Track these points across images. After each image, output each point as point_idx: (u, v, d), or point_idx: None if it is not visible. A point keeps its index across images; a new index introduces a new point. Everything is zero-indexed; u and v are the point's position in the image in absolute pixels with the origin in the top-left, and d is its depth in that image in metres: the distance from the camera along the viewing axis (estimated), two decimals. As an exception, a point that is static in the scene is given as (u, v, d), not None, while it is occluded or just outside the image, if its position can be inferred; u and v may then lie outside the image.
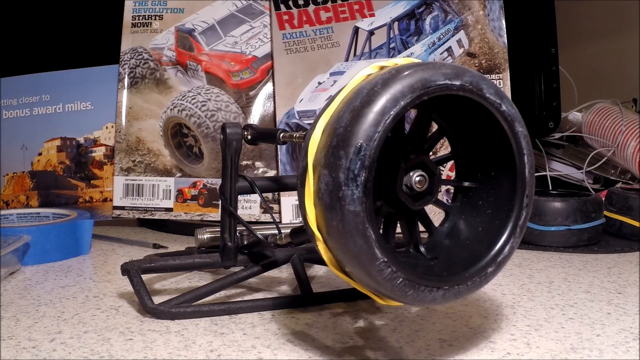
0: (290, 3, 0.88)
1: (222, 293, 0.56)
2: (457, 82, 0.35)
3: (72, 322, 0.49)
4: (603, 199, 0.81)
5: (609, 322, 0.49)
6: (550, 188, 1.01)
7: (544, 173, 1.03)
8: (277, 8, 0.88)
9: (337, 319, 0.50)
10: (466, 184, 0.43)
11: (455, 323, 0.48)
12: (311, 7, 0.87)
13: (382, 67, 0.37)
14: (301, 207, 0.37)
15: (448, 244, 0.42)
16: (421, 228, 0.43)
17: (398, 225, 0.42)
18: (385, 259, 0.34)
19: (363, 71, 0.37)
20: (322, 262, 0.51)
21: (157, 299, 0.52)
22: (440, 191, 0.45)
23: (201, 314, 0.50)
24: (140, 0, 0.90)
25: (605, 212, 0.80)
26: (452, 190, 0.47)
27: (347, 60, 0.85)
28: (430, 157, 0.40)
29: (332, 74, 0.85)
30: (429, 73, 0.34)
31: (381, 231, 0.40)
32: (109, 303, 0.54)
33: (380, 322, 0.49)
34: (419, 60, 0.37)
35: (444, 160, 0.45)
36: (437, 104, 0.35)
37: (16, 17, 1.03)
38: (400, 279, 0.35)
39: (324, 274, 0.63)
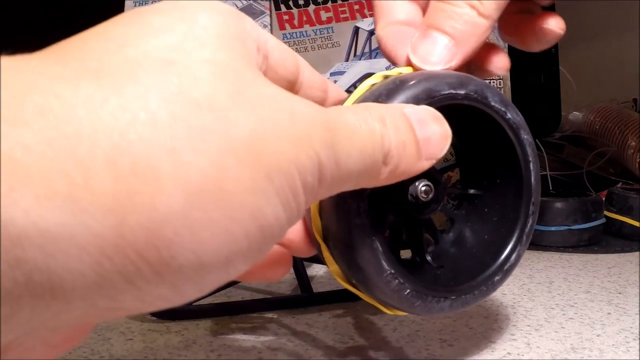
0: (291, 3, 0.88)
1: (223, 293, 0.56)
2: (462, 91, 0.35)
3: (72, 322, 0.49)
4: (603, 199, 0.81)
5: (609, 322, 0.49)
6: (551, 188, 1.01)
7: (544, 173, 1.03)
8: (277, 8, 0.88)
9: (338, 319, 0.50)
10: (471, 191, 0.43)
11: (456, 323, 0.48)
12: (311, 7, 0.87)
13: (386, 77, 0.37)
14: (307, 218, 0.36)
15: (454, 252, 0.42)
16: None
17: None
18: (393, 271, 0.34)
19: (368, 81, 0.37)
20: (323, 261, 0.51)
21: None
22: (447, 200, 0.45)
23: (202, 314, 0.50)
24: (140, 0, 0.90)
25: (606, 212, 0.80)
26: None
27: (347, 60, 0.85)
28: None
29: (332, 74, 0.85)
30: (433, 83, 0.34)
31: (387, 241, 0.40)
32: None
33: (381, 322, 0.49)
34: (425, 69, 0.36)
35: (448, 168, 0.45)
36: (442, 113, 0.35)
37: (16, 17, 1.03)
38: (408, 290, 0.35)
39: (325, 274, 0.63)
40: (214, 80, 0.19)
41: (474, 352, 0.43)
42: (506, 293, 0.56)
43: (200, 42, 0.20)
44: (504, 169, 0.40)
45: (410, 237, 0.41)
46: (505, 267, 0.39)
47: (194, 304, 0.51)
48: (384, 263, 0.34)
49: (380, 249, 0.33)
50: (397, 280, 0.34)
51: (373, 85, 0.36)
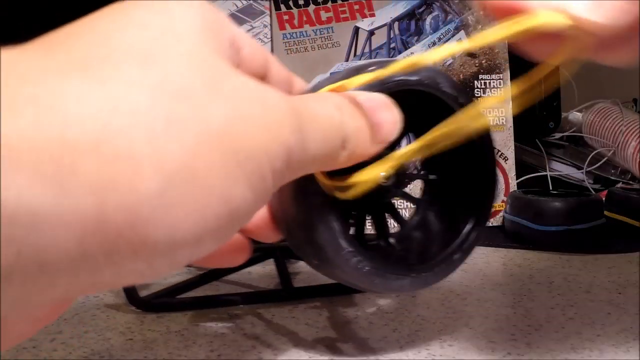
0: (291, 3, 0.88)
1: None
2: (414, 78, 0.36)
3: (72, 322, 0.49)
4: (603, 199, 0.81)
5: (609, 322, 0.49)
6: (551, 188, 1.01)
7: (544, 173, 1.03)
8: (277, 8, 0.88)
9: (337, 319, 0.50)
10: (432, 177, 0.44)
11: (456, 323, 0.48)
12: (311, 7, 0.87)
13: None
14: (272, 204, 0.38)
15: (417, 235, 0.44)
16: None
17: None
18: (351, 249, 0.35)
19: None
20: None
21: (147, 293, 0.52)
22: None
23: (184, 307, 0.51)
24: None
25: (606, 212, 0.80)
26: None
27: (347, 60, 0.85)
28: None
29: (332, 74, 0.85)
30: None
31: (353, 228, 0.41)
32: (109, 303, 0.54)
33: (381, 321, 0.49)
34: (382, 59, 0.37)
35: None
36: (401, 102, 0.36)
37: (16, 18, 1.03)
38: (367, 268, 0.36)
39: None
40: (190, 72, 0.21)
41: (474, 352, 0.43)
42: (506, 293, 0.56)
43: (177, 37, 0.22)
44: (461, 153, 0.41)
45: (374, 222, 0.42)
46: (465, 246, 0.41)
47: (177, 297, 0.52)
48: (341, 242, 0.35)
49: (337, 228, 0.35)
50: (355, 258, 0.35)
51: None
